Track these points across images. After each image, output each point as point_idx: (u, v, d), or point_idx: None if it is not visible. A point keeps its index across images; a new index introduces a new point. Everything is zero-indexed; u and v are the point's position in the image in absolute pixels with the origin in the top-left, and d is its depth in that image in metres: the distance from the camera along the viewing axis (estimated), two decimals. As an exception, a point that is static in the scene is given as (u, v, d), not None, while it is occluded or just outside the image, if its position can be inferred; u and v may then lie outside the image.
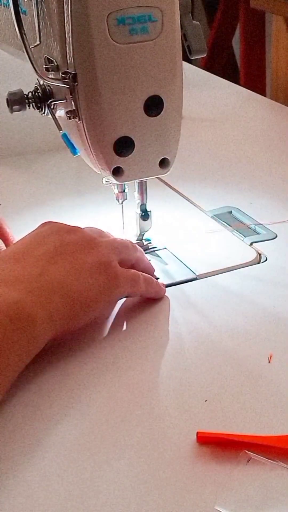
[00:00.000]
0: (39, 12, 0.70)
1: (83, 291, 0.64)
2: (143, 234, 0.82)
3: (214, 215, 0.90)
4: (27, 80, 0.73)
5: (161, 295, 0.73)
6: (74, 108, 0.70)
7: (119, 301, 0.72)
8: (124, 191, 0.79)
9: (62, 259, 0.65)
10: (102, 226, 0.81)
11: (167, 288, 0.74)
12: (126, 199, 0.79)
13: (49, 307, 0.61)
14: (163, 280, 0.76)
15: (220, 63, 2.53)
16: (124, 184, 0.78)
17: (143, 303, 0.72)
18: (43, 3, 0.69)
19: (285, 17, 1.90)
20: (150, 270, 0.75)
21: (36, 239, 0.68)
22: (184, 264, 0.79)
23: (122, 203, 0.79)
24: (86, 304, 0.64)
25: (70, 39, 0.67)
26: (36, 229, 0.71)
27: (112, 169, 0.72)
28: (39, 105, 0.73)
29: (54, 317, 0.62)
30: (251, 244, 0.83)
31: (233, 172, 1.03)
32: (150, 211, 0.81)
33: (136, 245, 0.75)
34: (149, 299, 0.73)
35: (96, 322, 0.69)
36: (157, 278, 0.76)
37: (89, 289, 0.65)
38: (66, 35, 0.67)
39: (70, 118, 0.71)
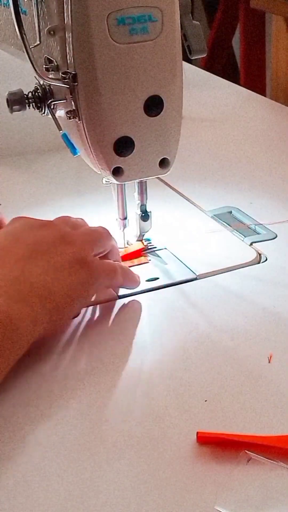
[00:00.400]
0: (39, 12, 0.70)
1: (63, 290, 0.64)
2: (143, 235, 0.82)
3: (214, 215, 0.90)
4: (27, 80, 0.73)
5: (137, 285, 0.73)
6: (74, 108, 0.70)
7: (119, 301, 0.72)
8: (125, 218, 0.79)
9: (39, 259, 0.64)
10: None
11: (167, 288, 0.74)
12: (127, 226, 0.80)
13: (30, 310, 0.61)
14: (163, 280, 0.76)
15: (220, 63, 2.53)
16: (126, 209, 0.78)
17: (143, 303, 0.72)
18: (43, 3, 0.69)
19: (285, 17, 1.90)
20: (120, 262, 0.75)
21: (10, 236, 0.67)
22: (184, 264, 0.79)
23: (123, 230, 0.80)
24: (67, 302, 0.64)
25: (70, 39, 0.67)
26: (8, 225, 0.70)
27: (112, 169, 0.72)
28: (39, 105, 0.73)
29: (36, 319, 0.61)
30: (251, 244, 0.83)
31: (233, 172, 1.03)
32: (150, 211, 0.80)
33: (110, 233, 0.74)
34: (148, 300, 0.73)
35: (96, 322, 0.69)
36: (157, 278, 0.76)
37: (69, 288, 0.64)
38: (66, 35, 0.67)
39: (70, 118, 0.71)
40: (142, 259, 0.80)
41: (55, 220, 0.71)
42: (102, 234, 0.72)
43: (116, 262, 0.71)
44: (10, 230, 0.68)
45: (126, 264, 0.77)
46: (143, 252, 0.81)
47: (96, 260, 0.68)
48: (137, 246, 0.82)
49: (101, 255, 0.71)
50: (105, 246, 0.71)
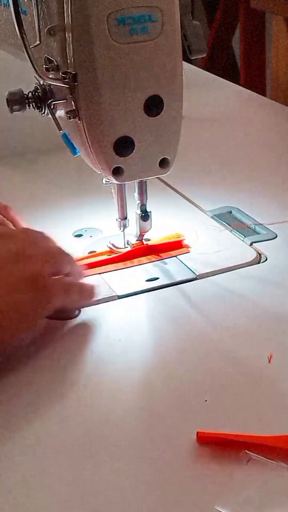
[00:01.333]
0: (39, 12, 0.70)
1: (11, 309, 0.62)
2: (143, 235, 0.82)
3: (214, 215, 0.90)
4: (27, 80, 0.73)
5: (92, 298, 0.71)
6: (74, 108, 0.70)
7: (118, 301, 0.72)
8: (125, 218, 0.79)
9: None
10: (102, 226, 0.81)
11: (167, 288, 0.74)
12: (127, 226, 0.79)
13: None
14: (163, 280, 0.76)
15: (220, 63, 2.53)
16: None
17: (143, 303, 0.72)
18: (43, 3, 0.69)
19: (285, 17, 1.90)
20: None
21: None
22: (184, 264, 0.79)
23: (123, 230, 0.79)
24: (16, 320, 0.63)
25: (70, 39, 0.67)
26: None
27: (112, 169, 0.72)
28: (39, 105, 0.73)
29: None
30: (251, 244, 0.83)
31: (233, 172, 1.03)
32: (150, 211, 0.80)
33: (70, 254, 0.72)
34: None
35: (96, 322, 0.69)
36: (157, 278, 0.76)
37: (17, 306, 0.63)
38: (66, 35, 0.67)
39: (70, 118, 0.70)
40: (184, 249, 0.81)
41: (16, 232, 0.70)
42: (61, 254, 0.70)
43: (74, 281, 0.69)
44: None
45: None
46: (183, 242, 0.82)
47: (49, 278, 0.66)
48: (175, 236, 0.82)
49: (60, 274, 0.69)
50: (64, 267, 0.69)
